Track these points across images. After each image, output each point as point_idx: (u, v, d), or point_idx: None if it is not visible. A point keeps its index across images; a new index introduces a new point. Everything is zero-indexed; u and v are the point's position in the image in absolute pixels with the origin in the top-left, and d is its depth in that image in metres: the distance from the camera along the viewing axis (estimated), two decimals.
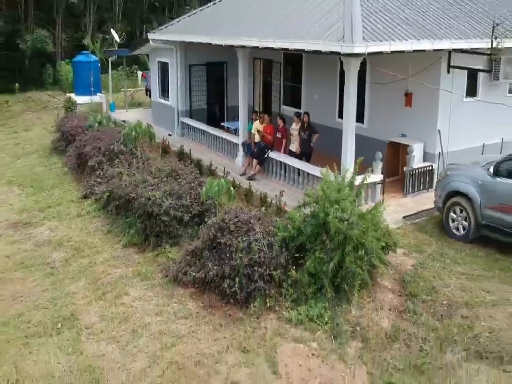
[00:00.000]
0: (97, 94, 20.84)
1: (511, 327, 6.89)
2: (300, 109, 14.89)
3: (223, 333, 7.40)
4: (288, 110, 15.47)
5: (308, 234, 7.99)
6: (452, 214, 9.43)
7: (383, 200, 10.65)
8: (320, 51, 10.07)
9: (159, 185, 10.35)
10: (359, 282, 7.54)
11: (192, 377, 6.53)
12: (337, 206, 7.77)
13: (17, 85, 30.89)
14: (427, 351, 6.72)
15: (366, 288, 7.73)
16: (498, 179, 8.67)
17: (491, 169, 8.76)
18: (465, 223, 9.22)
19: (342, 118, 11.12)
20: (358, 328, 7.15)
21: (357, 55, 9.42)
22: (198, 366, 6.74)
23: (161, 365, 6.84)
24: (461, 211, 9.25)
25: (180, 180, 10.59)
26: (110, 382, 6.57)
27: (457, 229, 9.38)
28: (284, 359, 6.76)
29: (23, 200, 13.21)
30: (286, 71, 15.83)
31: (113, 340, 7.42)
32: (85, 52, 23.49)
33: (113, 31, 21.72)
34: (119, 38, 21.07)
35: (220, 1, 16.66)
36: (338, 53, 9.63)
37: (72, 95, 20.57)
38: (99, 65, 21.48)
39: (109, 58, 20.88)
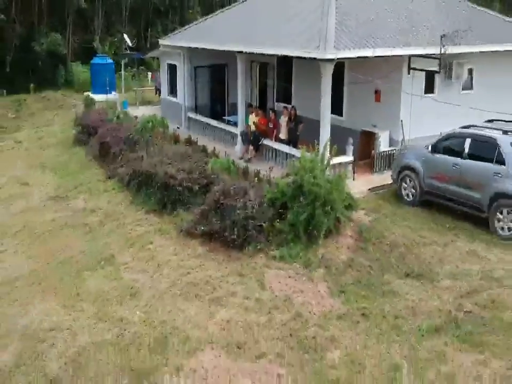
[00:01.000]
0: (112, 92, 23.72)
1: (432, 258, 9.71)
2: (291, 104, 17.77)
3: (225, 265, 10.21)
4: (281, 106, 18.29)
5: (288, 195, 10.80)
6: (403, 184, 12.27)
7: (354, 177, 13.53)
8: (303, 57, 12.94)
9: (173, 163, 13.19)
10: (326, 229, 10.35)
11: (203, 290, 9.35)
12: (310, 174, 10.60)
13: (32, 85, 33.75)
14: (371, 273, 9.54)
15: (331, 234, 10.53)
16: (436, 155, 11.51)
17: (430, 148, 11.60)
18: (413, 191, 12.06)
19: None
20: (323, 260, 9.97)
21: (329, 60, 12.26)
22: (207, 284, 9.56)
23: (180, 285, 9.66)
24: (410, 181, 12.09)
25: (190, 160, 13.42)
26: (145, 294, 9.40)
27: (408, 196, 12.22)
28: (269, 280, 9.57)
29: (57, 181, 16.10)
30: (278, 72, 18.61)
31: (143, 271, 10.25)
32: (101, 55, 26.38)
33: (126, 36, 24.67)
34: (131, 43, 23.95)
35: (221, 12, 19.52)
36: (315, 59, 12.49)
37: (90, 94, 23.43)
38: (114, 67, 24.35)
39: (122, 61, 23.77)
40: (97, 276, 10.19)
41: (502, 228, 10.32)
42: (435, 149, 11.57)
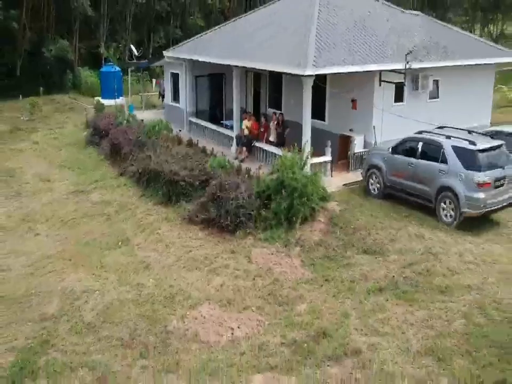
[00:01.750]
0: (120, 97, 26.28)
1: (386, 239, 12.24)
2: (281, 110, 20.35)
3: (220, 245, 12.77)
4: (272, 111, 20.89)
5: (272, 189, 13.35)
6: (370, 180, 14.83)
7: (332, 174, 16.11)
8: (288, 73, 15.50)
9: (177, 162, 15.74)
10: (302, 216, 12.91)
11: (202, 264, 11.90)
12: (290, 170, 13.15)
13: (41, 88, 36.31)
14: (337, 251, 12.09)
15: (307, 221, 13.07)
16: (395, 156, 14.07)
17: (390, 150, 14.16)
18: (378, 186, 14.61)
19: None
20: (299, 241, 12.51)
21: (309, 76, 14.81)
22: (205, 259, 12.11)
23: (184, 260, 12.21)
24: (375, 178, 14.65)
25: (191, 159, 15.99)
26: (155, 267, 11.95)
27: (374, 190, 14.77)
28: (255, 256, 12.12)
29: (75, 177, 18.67)
30: (270, 81, 21.12)
31: (154, 250, 12.81)
32: (109, 63, 28.97)
33: (132, 46, 27.25)
34: (137, 52, 26.54)
35: (219, 28, 22.09)
36: (297, 75, 15.05)
37: (99, 99, 25.99)
38: (121, 74, 26.90)
39: (128, 69, 26.37)
40: (116, 254, 12.76)
41: (446, 215, 12.87)
42: (395, 150, 14.14)
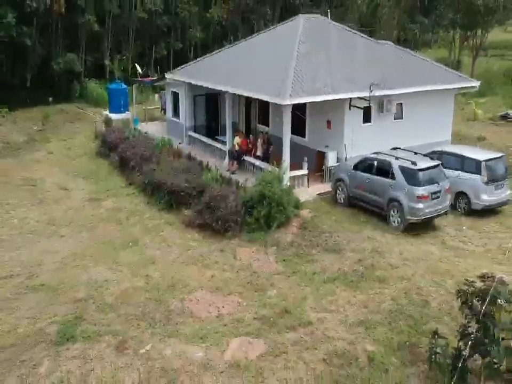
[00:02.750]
0: (126, 112, 29.61)
1: (344, 239, 15.56)
2: (269, 126, 23.73)
3: (212, 245, 16.10)
4: (262, 128, 24.26)
5: (255, 199, 16.69)
6: (337, 191, 18.17)
7: (308, 185, 19.44)
8: (269, 101, 18.87)
9: (177, 175, 19.08)
10: (278, 222, 16.24)
11: (197, 260, 15.24)
12: (269, 184, 16.49)
13: (50, 98, 39.66)
14: (304, 250, 15.43)
15: (282, 225, 16.40)
16: (356, 172, 17.41)
17: (352, 166, 17.50)
18: (344, 196, 17.94)
19: (293, 134, 19.73)
20: (275, 242, 15.85)
21: (287, 105, 18.14)
22: (200, 256, 15.45)
23: (183, 257, 15.55)
24: (341, 189, 17.99)
25: (190, 172, 19.33)
26: (160, 262, 15.29)
27: (340, 199, 18.13)
28: (239, 254, 15.46)
29: (89, 186, 22.03)
30: (259, 102, 24.39)
31: (158, 249, 16.15)
32: (117, 80, 32.36)
33: (137, 65, 30.63)
34: (141, 70, 29.91)
35: (216, 53, 25.47)
36: (277, 104, 18.40)
37: (108, 113, 29.34)
38: (127, 91, 30.26)
39: (134, 86, 29.76)
40: (128, 252, 16.10)
41: (394, 221, 16.24)
42: (356, 167, 17.49)
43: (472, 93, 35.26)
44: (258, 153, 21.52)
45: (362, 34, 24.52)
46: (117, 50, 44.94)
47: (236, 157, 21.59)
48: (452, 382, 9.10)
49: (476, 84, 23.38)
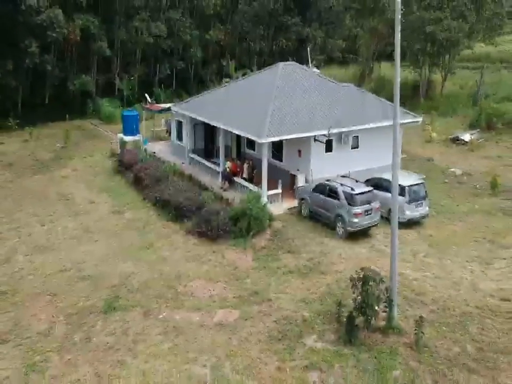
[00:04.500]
0: (137, 134, 36.55)
1: (302, 244, 22.45)
2: (255, 151, 30.65)
3: (207, 248, 23.00)
4: (249, 152, 31.18)
5: (239, 214, 23.60)
6: (302, 206, 25.07)
7: (282, 201, 26.35)
8: (252, 139, 25.83)
9: (181, 194, 25.98)
10: (255, 231, 23.16)
11: (195, 259, 22.16)
12: (249, 203, 23.40)
13: (67, 115, 46.59)
14: (273, 251, 22.32)
15: (259, 233, 23.31)
16: (314, 193, 24.32)
17: (311, 189, 24.40)
18: (307, 211, 24.84)
19: (273, 159, 26.63)
20: (252, 245, 22.75)
21: (264, 143, 25.03)
22: (197, 256, 22.37)
23: (186, 256, 22.46)
24: (305, 206, 24.89)
25: (191, 191, 26.26)
26: (169, 260, 22.20)
27: (304, 213, 25.00)
28: (227, 255, 22.37)
29: (112, 200, 28.95)
30: None
31: (168, 250, 23.08)
32: (130, 109, 39.39)
33: (146, 95, 37.62)
34: (151, 100, 36.91)
35: (214, 90, 32.41)
36: (257, 141, 25.34)
37: (122, 136, 36.31)
38: (138, 117, 37.22)
39: (143, 112, 36.77)
40: (146, 253, 23.00)
41: (339, 231, 23.11)
42: (314, 190, 24.38)
43: (436, 115, 42.35)
44: (245, 175, 28.42)
45: (328, 79, 31.39)
46: (125, 71, 51.94)
47: (227, 177, 28.51)
48: (347, 333, 16.00)
49: (419, 119, 30.24)
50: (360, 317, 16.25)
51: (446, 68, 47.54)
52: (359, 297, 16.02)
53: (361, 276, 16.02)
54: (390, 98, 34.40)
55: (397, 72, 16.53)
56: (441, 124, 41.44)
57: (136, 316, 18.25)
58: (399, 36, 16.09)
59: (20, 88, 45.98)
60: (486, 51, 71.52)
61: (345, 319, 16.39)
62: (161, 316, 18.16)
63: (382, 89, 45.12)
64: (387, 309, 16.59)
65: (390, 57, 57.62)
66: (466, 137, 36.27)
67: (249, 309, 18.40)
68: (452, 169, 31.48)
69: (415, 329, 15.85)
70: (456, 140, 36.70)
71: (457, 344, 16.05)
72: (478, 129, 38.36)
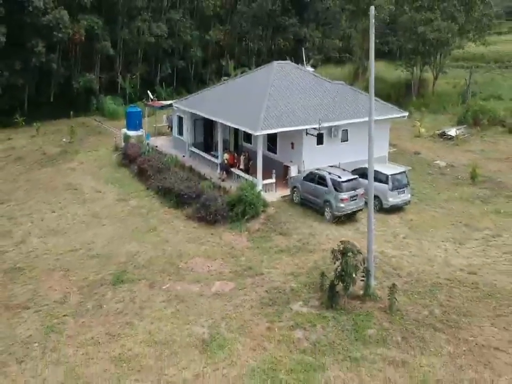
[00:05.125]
0: (140, 129, 38.99)
1: (293, 227, 24.85)
2: (251, 144, 33.04)
3: (206, 231, 25.41)
4: (246, 145, 33.59)
5: (235, 200, 26.00)
6: (294, 194, 27.49)
7: (275, 190, 28.76)
8: (247, 132, 28.26)
9: (182, 182, 28.38)
10: (250, 216, 25.55)
11: (195, 240, 24.56)
12: (245, 190, 25.81)
13: (71, 112, 49.07)
14: (266, 234, 24.71)
15: (253, 218, 25.70)
16: (305, 181, 26.73)
17: (302, 178, 26.82)
18: (298, 198, 27.26)
19: (269, 151, 29.08)
20: (247, 229, 25.14)
21: (259, 135, 27.45)
22: (197, 238, 24.76)
23: (186, 238, 24.86)
24: (296, 193, 27.30)
25: (191, 181, 28.68)
26: (171, 242, 24.61)
27: (296, 200, 27.41)
28: (224, 236, 24.78)
29: (117, 190, 31.36)
30: None
31: (170, 233, 25.48)
32: (133, 105, 41.87)
33: (149, 92, 40.09)
34: (153, 96, 39.38)
35: (214, 87, 34.81)
36: (252, 134, 27.76)
37: (126, 130, 38.76)
38: (141, 113, 39.67)
39: (145, 109, 39.25)
40: (150, 235, 25.41)
41: (327, 215, 25.51)
42: (305, 178, 26.80)
43: (427, 112, 44.84)
44: (241, 166, 30.82)
45: (320, 76, 33.81)
46: (127, 70, 54.45)
47: (225, 168, 30.91)
48: (328, 299, 18.39)
49: (405, 114, 32.67)
50: (340, 284, 18.62)
51: (438, 67, 49.89)
52: (339, 267, 18.39)
53: (341, 248, 18.39)
54: (381, 96, 37.25)
55: (371, 72, 18.92)
56: (431, 121, 43.90)
57: (142, 287, 20.67)
58: (373, 39, 18.38)
59: (26, 87, 48.48)
60: (480, 51, 74.14)
61: (327, 287, 18.77)
62: (164, 287, 20.58)
63: (375, 86, 47.36)
64: (364, 279, 18.97)
65: (383, 56, 60.33)
66: (452, 132, 38.66)
67: (243, 281, 20.79)
68: (437, 162, 33.87)
69: (389, 296, 18.22)
70: (443, 135, 39.10)
71: (426, 309, 18.42)
72: (465, 125, 40.77)
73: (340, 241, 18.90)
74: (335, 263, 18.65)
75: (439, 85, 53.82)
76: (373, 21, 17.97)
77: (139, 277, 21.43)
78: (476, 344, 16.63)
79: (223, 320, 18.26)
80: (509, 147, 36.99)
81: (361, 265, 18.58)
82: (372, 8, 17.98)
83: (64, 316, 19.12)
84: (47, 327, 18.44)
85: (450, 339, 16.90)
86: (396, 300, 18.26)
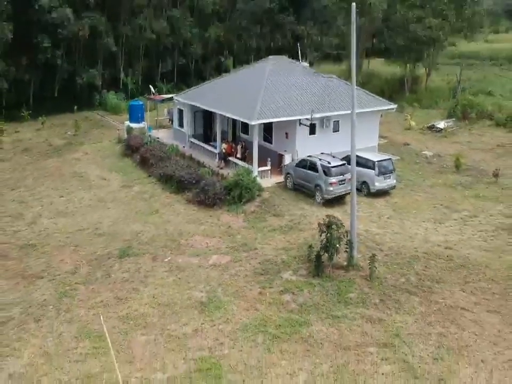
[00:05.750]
0: (142, 122, 41.28)
1: (285, 209, 27.08)
2: (248, 135, 35.29)
3: (205, 213, 27.65)
4: (243, 136, 35.86)
5: (232, 185, 28.25)
6: (287, 180, 29.75)
7: (270, 177, 31.02)
8: (245, 122, 30.52)
9: (182, 170, 30.64)
10: (246, 199, 27.81)
11: (195, 221, 26.80)
12: (241, 175, 28.07)
13: (75, 107, 51.31)
14: (260, 215, 26.95)
15: (249, 201, 27.94)
16: (297, 168, 28.99)
17: (295, 164, 29.08)
18: (291, 183, 29.51)
19: (265, 142, 31.36)
20: (243, 210, 27.38)
21: (255, 124, 29.70)
22: (197, 219, 27.01)
23: (186, 219, 27.10)
24: (289, 179, 29.56)
25: (191, 168, 30.95)
26: (173, 222, 26.84)
27: (289, 185, 29.67)
28: (222, 218, 27.02)
29: (121, 177, 33.63)
30: None
31: (171, 215, 27.74)
32: (136, 99, 44.17)
33: (150, 86, 42.38)
34: (154, 90, 41.69)
35: (213, 81, 37.09)
36: (248, 123, 30.02)
37: (129, 123, 41.07)
38: (143, 106, 42.01)
39: (147, 102, 41.55)
40: (153, 217, 27.66)
41: (317, 198, 27.77)
42: (297, 165, 29.05)
43: (419, 107, 47.16)
44: (238, 155, 33.08)
45: (314, 70, 36.05)
46: (129, 66, 56.71)
47: (223, 157, 33.17)
48: (315, 268, 20.64)
49: (393, 106, 34.93)
50: (325, 254, 20.85)
51: (430, 64, 52.15)
52: (325, 239, 20.63)
53: (326, 222, 20.64)
54: (375, 91, 39.56)
55: (353, 65, 21.16)
56: (423, 115, 46.18)
57: (146, 259, 22.94)
58: (355, 38, 20.73)
59: (32, 82, 50.71)
60: (477, 49, 76.54)
61: (314, 257, 21.02)
62: (166, 260, 22.85)
63: (369, 82, 49.78)
64: (348, 250, 21.22)
65: (381, 54, 62.67)
66: (441, 125, 40.91)
67: (238, 255, 23.04)
68: (424, 152, 36.11)
69: (369, 265, 20.46)
70: (432, 128, 41.35)
71: (403, 277, 20.67)
72: (454, 119, 43.00)
73: (326, 215, 21.14)
74: (321, 235, 20.89)
75: (433, 81, 56.16)
76: (355, 16, 20.21)
77: (143, 251, 23.68)
78: (445, 305, 18.89)
79: (220, 286, 20.52)
80: (494, 139, 39.26)
81: (344, 237, 20.82)
82: (353, 4, 20.21)
83: (75, 283, 21.40)
84: (60, 292, 20.71)
85: (423, 301, 19.15)
86: (376, 268, 20.51)
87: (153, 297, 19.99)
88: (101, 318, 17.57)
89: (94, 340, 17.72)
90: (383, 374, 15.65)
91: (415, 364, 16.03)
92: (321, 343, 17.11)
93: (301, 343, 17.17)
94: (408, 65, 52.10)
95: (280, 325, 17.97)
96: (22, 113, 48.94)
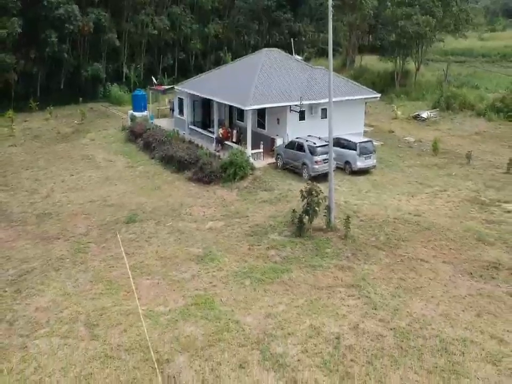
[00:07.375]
0: (145, 111, 44.90)
1: (275, 184, 30.65)
2: (243, 121, 38.88)
3: (202, 189, 31.26)
4: (239, 123, 39.45)
5: (227, 164, 31.84)
6: (278, 160, 33.35)
7: (263, 158, 34.62)
8: (239, 108, 34.10)
9: (182, 151, 34.23)
10: (240, 177, 31.38)
11: (194, 196, 30.39)
12: (235, 154, 31.65)
13: (80, 98, 54.94)
14: (252, 190, 30.55)
15: (243, 179, 31.52)
16: (287, 149, 32.58)
17: (285, 146, 32.67)
18: (281, 163, 33.11)
19: (259, 127, 34.99)
20: (237, 186, 30.97)
21: (249, 110, 33.29)
22: (196, 194, 30.61)
23: (185, 194, 30.69)
24: (280, 159, 33.16)
25: (190, 150, 34.56)
26: (174, 196, 30.42)
27: (279, 165, 33.25)
28: (218, 193, 30.61)
29: (126, 160, 37.22)
30: None
31: (172, 190, 31.33)
32: (139, 89, 47.84)
33: (153, 77, 46.01)
34: (156, 81, 45.30)
35: (211, 71, 40.73)
36: (243, 109, 33.62)
37: (132, 111, 44.68)
38: (146, 96, 45.63)
39: (150, 92, 45.19)
40: (155, 192, 31.25)
41: (304, 175, 31.35)
42: (287, 146, 32.65)
43: (407, 99, 50.82)
44: (234, 139, 36.68)
45: (304, 62, 39.63)
46: (132, 60, 60.43)
47: (220, 141, 36.77)
48: (297, 229, 24.21)
49: (377, 95, 38.52)
50: (306, 218, 24.41)
51: (420, 59, 55.76)
52: (306, 204, 24.20)
53: (307, 189, 24.22)
54: (367, 84, 43.12)
55: (330, 62, 24.73)
56: (410, 106, 49.77)
57: (150, 224, 26.55)
58: (331, 33, 24.27)
59: (39, 74, 54.38)
60: (471, 47, 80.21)
61: (296, 220, 24.59)
62: (168, 224, 26.45)
63: (361, 76, 53.44)
64: (326, 215, 24.79)
65: (376, 51, 66.29)
66: (425, 115, 44.49)
67: (231, 221, 26.63)
68: (407, 138, 39.70)
69: (345, 226, 24.02)
70: (416, 117, 44.92)
71: (373, 236, 24.21)
72: (438, 109, 46.58)
73: (306, 183, 24.73)
74: (303, 201, 24.46)
75: (423, 76, 59.79)
76: (331, 8, 23.82)
77: (147, 218, 27.29)
78: (408, 257, 22.43)
79: (214, 244, 24.09)
80: (473, 127, 42.85)
81: (322, 201, 24.39)
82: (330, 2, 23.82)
83: (88, 242, 25.00)
84: (75, 249, 24.31)
85: (389, 254, 22.70)
86: (350, 228, 24.05)
87: (156, 252, 23.56)
88: (118, 236, 21.36)
89: (107, 283, 21.27)
90: (348, 305, 19.18)
91: (376, 299, 19.55)
92: (298, 285, 20.64)
93: (282, 285, 20.71)
94: (398, 60, 55.67)
95: (265, 272, 21.51)
96: (30, 104, 52.52)
